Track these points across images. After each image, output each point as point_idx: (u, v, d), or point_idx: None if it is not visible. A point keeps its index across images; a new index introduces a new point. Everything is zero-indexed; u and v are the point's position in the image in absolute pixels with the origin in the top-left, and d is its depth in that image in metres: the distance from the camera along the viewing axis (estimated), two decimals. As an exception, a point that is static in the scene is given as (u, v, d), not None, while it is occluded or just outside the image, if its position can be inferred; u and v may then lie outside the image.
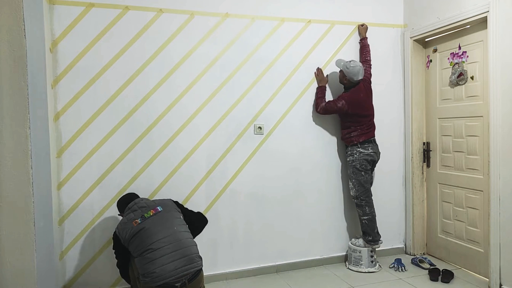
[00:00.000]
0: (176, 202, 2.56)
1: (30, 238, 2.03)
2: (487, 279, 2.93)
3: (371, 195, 3.33)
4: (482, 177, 3.07)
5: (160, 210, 2.38)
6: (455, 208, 3.35)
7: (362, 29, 3.50)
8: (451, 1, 3.14)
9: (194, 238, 2.44)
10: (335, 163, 3.48)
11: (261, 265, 3.28)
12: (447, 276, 3.05)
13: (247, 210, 3.23)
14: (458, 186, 3.31)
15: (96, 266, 2.87)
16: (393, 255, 3.62)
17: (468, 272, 3.22)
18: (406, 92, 3.65)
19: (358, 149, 3.25)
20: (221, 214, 3.16)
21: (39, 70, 2.36)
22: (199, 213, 2.64)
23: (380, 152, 3.38)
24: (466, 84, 3.20)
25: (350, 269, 3.35)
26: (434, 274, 3.10)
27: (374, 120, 3.40)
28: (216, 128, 3.13)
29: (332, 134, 3.47)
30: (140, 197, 2.65)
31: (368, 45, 3.46)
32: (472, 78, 3.14)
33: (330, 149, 3.46)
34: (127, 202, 2.56)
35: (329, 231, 3.47)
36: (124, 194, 2.80)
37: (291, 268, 3.34)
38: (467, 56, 3.18)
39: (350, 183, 3.32)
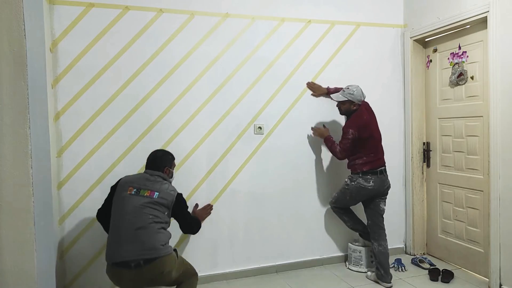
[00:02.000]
0: (178, 201, 2.44)
1: (30, 238, 2.03)
2: (487, 279, 2.93)
3: (350, 209, 3.23)
4: (482, 177, 3.07)
5: (154, 197, 2.34)
6: (455, 208, 3.35)
7: (316, 90, 3.30)
8: (451, 1, 3.14)
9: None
10: (335, 163, 3.48)
11: (261, 265, 3.28)
12: (447, 276, 3.05)
13: (247, 209, 3.23)
14: (458, 186, 3.31)
15: (96, 266, 2.87)
16: (393, 255, 3.61)
17: (468, 272, 3.22)
18: (406, 92, 3.65)
19: (359, 179, 2.99)
20: (221, 214, 3.16)
21: (39, 70, 2.35)
22: (189, 223, 2.55)
23: (387, 185, 3.07)
24: (466, 84, 3.20)
25: (350, 269, 3.35)
26: (434, 274, 3.10)
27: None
28: (216, 128, 3.13)
29: (332, 134, 3.46)
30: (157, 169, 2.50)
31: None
32: (472, 78, 3.14)
33: (330, 149, 3.46)
34: (149, 160, 2.54)
35: (329, 231, 3.47)
36: (161, 150, 2.67)
37: (291, 268, 3.34)
38: (467, 56, 3.18)
39: (335, 194, 3.22)
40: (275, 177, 3.31)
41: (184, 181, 3.05)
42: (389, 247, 3.66)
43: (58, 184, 2.78)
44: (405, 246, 3.74)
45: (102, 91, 2.86)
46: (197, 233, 2.65)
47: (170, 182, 2.52)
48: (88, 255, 2.86)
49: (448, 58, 3.36)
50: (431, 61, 3.56)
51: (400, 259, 3.42)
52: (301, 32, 3.35)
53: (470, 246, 3.22)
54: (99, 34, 2.83)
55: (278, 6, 3.28)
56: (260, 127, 3.24)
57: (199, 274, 3.10)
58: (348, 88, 3.00)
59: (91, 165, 2.84)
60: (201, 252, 3.11)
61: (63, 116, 2.78)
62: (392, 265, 3.37)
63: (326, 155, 3.46)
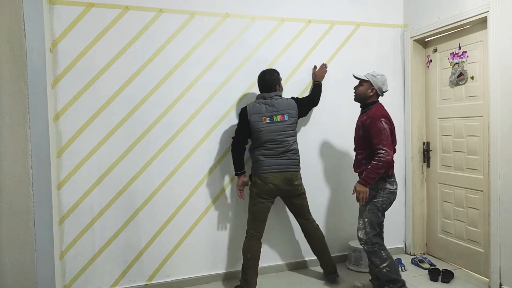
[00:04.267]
0: (297, 103, 2.92)
1: (30, 238, 2.04)
2: (487, 279, 2.93)
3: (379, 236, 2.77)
4: (482, 177, 3.07)
5: (286, 119, 2.83)
6: (455, 208, 3.35)
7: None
8: (451, 1, 3.14)
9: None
10: (335, 163, 3.48)
11: (261, 265, 3.26)
12: (447, 276, 3.05)
13: (247, 210, 3.22)
14: (458, 186, 3.31)
15: (96, 266, 2.87)
16: (393, 255, 3.60)
17: (468, 272, 3.22)
18: (406, 92, 3.65)
19: (386, 185, 2.64)
20: (221, 214, 3.16)
21: (39, 70, 2.36)
22: (313, 99, 3.17)
23: None
24: (466, 84, 3.20)
25: (350, 269, 3.35)
26: (434, 274, 3.10)
27: None
28: (216, 128, 3.13)
29: (332, 134, 3.47)
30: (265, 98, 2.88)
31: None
32: (472, 78, 3.14)
33: (330, 149, 3.46)
34: (261, 83, 2.92)
35: (329, 231, 3.46)
36: (267, 71, 2.96)
37: (291, 268, 3.34)
38: (467, 56, 3.18)
39: (360, 222, 2.71)
40: (275, 177, 3.31)
41: (183, 181, 3.05)
42: (389, 247, 3.67)
43: (58, 184, 2.77)
44: (405, 246, 3.74)
45: (102, 91, 2.85)
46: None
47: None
48: (88, 255, 2.86)
49: (448, 58, 3.36)
50: (431, 61, 3.57)
51: (400, 259, 3.42)
52: (301, 32, 3.35)
53: (470, 246, 3.22)
54: (99, 34, 2.83)
55: (278, 6, 3.28)
56: (260, 127, 3.24)
57: (199, 274, 3.11)
58: (373, 71, 2.73)
59: (91, 165, 2.84)
60: (201, 252, 3.11)
61: (63, 116, 2.78)
62: (392, 265, 3.37)
63: (326, 155, 3.46)
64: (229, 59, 3.14)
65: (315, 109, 3.39)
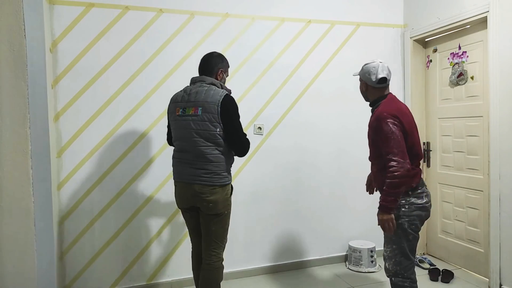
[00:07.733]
0: (225, 108, 2.18)
1: (30, 238, 2.03)
2: (487, 279, 2.93)
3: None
4: (482, 177, 3.07)
5: (199, 114, 2.11)
6: (455, 208, 3.35)
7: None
8: (451, 1, 3.14)
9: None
10: (335, 163, 3.48)
11: (261, 265, 3.27)
12: (447, 276, 3.05)
13: (247, 210, 3.23)
14: (458, 186, 3.31)
15: (96, 266, 2.87)
16: (393, 255, 3.62)
17: (468, 272, 3.22)
18: (406, 92, 3.65)
19: (410, 199, 2.07)
20: (221, 214, 3.16)
21: (39, 70, 2.36)
22: (240, 144, 2.32)
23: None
24: (466, 84, 3.20)
25: (350, 269, 3.35)
26: (434, 274, 3.10)
27: None
28: (216, 128, 3.13)
29: (332, 134, 3.47)
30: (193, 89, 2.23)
31: None
32: (472, 78, 3.14)
33: (329, 149, 3.46)
34: (200, 71, 2.29)
35: (329, 231, 3.47)
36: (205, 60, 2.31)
37: (291, 268, 3.34)
38: (467, 56, 3.18)
39: (387, 250, 2.14)
40: (275, 178, 3.31)
41: (184, 181, 3.05)
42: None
43: (58, 184, 2.77)
44: (405, 246, 3.73)
45: (102, 91, 2.85)
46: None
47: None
48: (88, 255, 2.86)
49: (448, 58, 3.37)
50: (431, 61, 3.57)
51: (400, 259, 3.42)
52: (301, 32, 3.35)
53: (470, 246, 3.22)
54: (99, 34, 2.83)
55: (278, 6, 3.28)
56: (259, 127, 3.24)
57: (199, 274, 3.11)
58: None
59: (91, 165, 2.84)
60: (201, 252, 3.11)
61: (63, 116, 2.78)
62: (392, 265, 3.37)
63: (326, 156, 3.45)
64: (229, 59, 3.13)
65: (314, 109, 3.40)
